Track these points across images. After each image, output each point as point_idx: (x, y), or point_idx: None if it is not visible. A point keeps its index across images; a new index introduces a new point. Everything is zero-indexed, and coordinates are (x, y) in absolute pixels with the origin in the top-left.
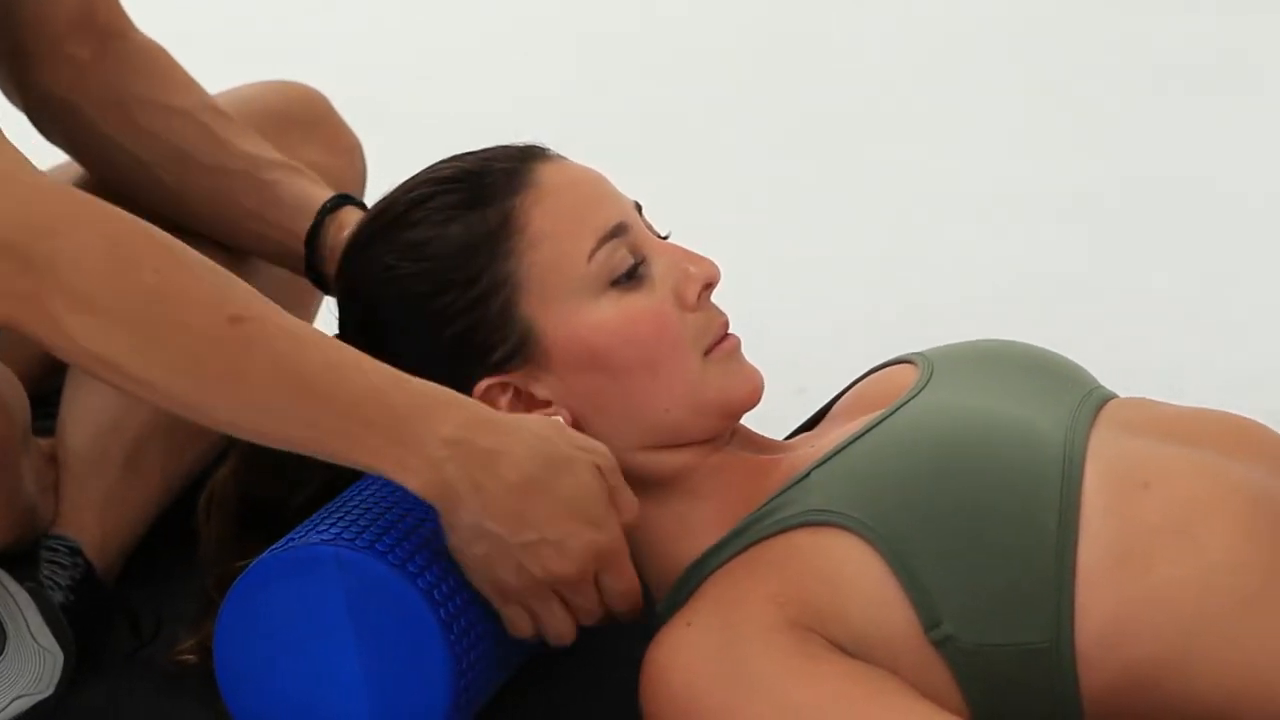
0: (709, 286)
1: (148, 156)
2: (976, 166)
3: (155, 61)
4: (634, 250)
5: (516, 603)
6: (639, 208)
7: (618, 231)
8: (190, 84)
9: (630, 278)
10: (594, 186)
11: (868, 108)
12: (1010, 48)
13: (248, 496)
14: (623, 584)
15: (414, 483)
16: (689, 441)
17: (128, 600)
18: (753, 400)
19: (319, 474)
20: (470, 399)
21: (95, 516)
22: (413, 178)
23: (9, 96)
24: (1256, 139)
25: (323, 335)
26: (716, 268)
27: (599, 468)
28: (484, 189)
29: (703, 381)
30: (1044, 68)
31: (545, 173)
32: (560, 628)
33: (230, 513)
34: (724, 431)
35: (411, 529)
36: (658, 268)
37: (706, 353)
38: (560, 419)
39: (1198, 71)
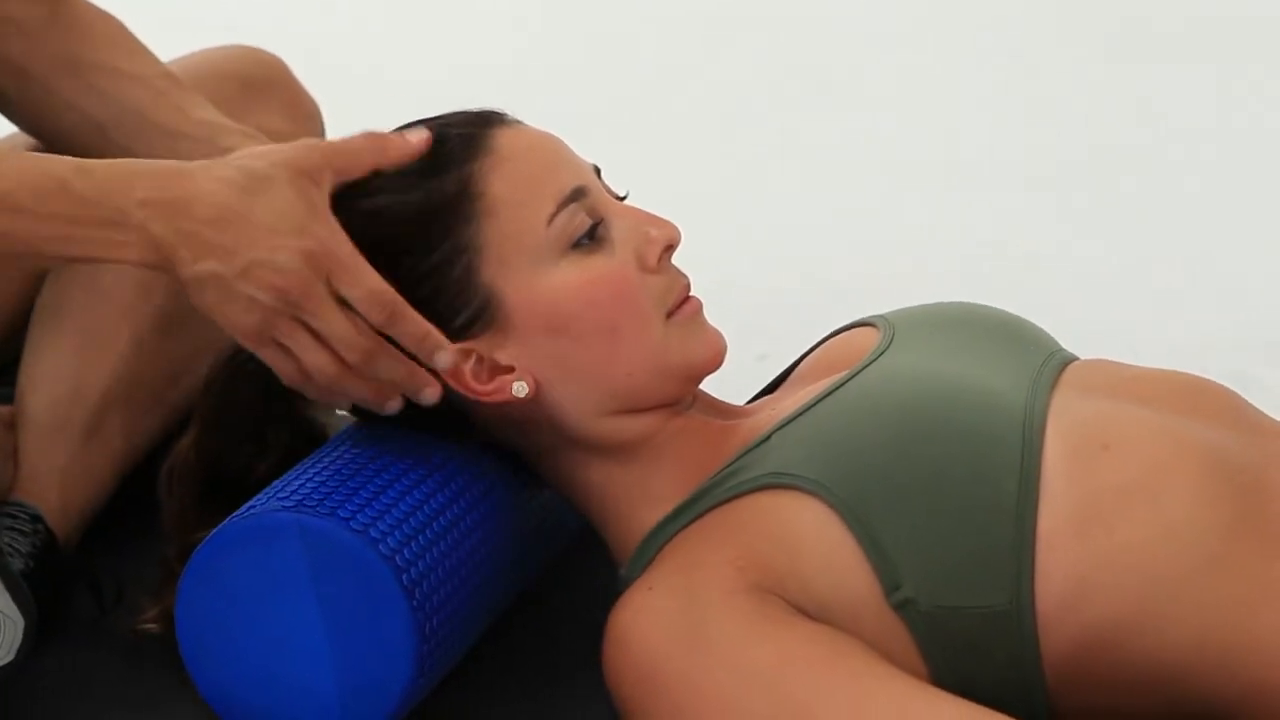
0: (670, 248)
1: (103, 118)
2: (939, 134)
3: (107, 27)
4: (593, 213)
5: (268, 342)
6: (598, 171)
7: (577, 195)
8: (144, 51)
9: (590, 238)
10: (552, 151)
11: (831, 74)
12: (974, 16)
13: (209, 467)
14: (358, 289)
15: (131, 254)
16: (652, 405)
17: (89, 567)
18: (715, 363)
19: (281, 443)
20: (157, 161)
21: (56, 484)
22: None
23: None
24: (1214, 109)
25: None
26: (677, 229)
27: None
28: (441, 155)
29: (665, 345)
30: (1006, 37)
31: (503, 138)
32: (316, 359)
33: (192, 484)
34: (686, 395)
35: (375, 494)
36: (618, 231)
37: (669, 315)
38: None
39: (1158, 41)
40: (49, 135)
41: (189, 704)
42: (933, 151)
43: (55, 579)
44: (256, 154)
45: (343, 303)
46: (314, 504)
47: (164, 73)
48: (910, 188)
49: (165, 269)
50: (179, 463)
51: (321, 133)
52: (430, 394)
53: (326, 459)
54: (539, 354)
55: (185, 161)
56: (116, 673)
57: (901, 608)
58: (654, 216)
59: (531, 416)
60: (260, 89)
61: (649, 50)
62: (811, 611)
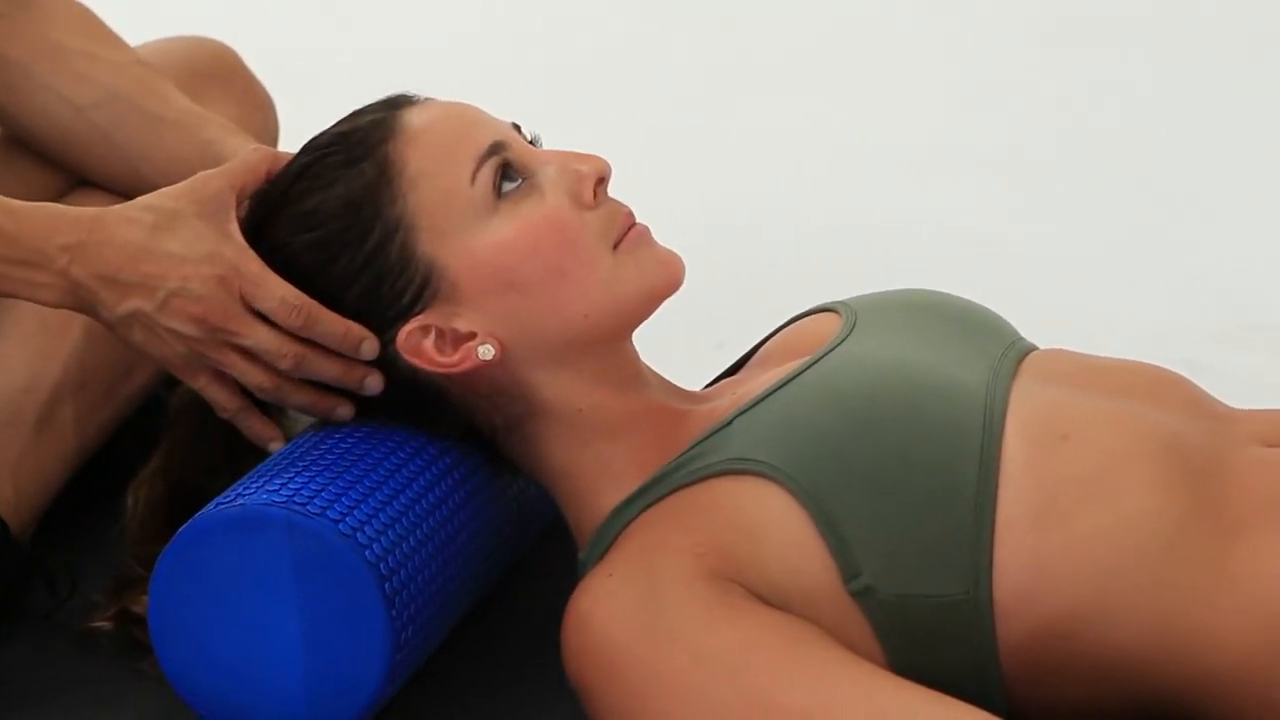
0: (602, 180)
1: (83, 100)
2: (896, 120)
3: (79, 13)
4: (516, 163)
5: (201, 371)
6: (518, 128)
7: (495, 150)
8: (117, 37)
9: (511, 180)
10: (462, 116)
11: (787, 58)
12: (929, 3)
13: (178, 496)
14: (270, 300)
15: (49, 296)
16: (617, 337)
17: (43, 560)
18: (674, 282)
19: (251, 468)
20: (75, 208)
21: (9, 476)
22: (295, 154)
23: None
24: (1168, 98)
25: None
26: (606, 162)
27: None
28: (356, 145)
29: (617, 276)
30: (963, 20)
31: (412, 115)
32: (252, 377)
33: (159, 511)
34: (646, 317)
35: (366, 494)
36: (546, 175)
37: (615, 246)
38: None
39: (1116, 27)
40: (26, 119)
41: (141, 699)
42: (889, 137)
43: (9, 571)
44: (161, 193)
45: (265, 318)
46: (304, 502)
47: (138, 59)
48: (867, 174)
49: (87, 312)
50: (144, 492)
51: (274, 123)
52: (372, 383)
53: (314, 453)
54: (495, 314)
55: (101, 208)
56: (69, 666)
57: (860, 595)
58: (579, 153)
59: (502, 384)
60: (213, 79)
61: (605, 34)
62: (770, 598)
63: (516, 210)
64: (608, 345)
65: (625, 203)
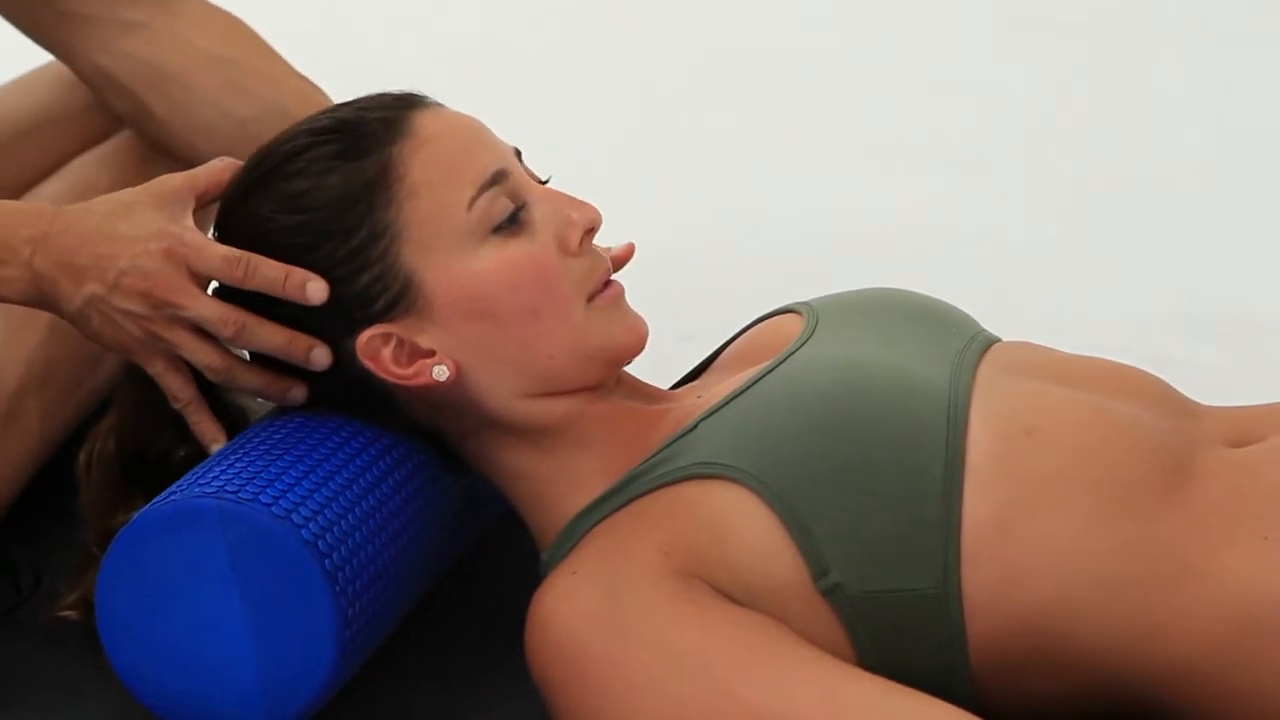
0: (591, 231)
1: (244, 114)
2: (865, 115)
3: (228, 22)
4: (514, 197)
5: (157, 355)
6: (519, 154)
7: (497, 179)
8: (270, 48)
9: (512, 223)
10: (472, 134)
11: (754, 53)
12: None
13: (128, 452)
14: (213, 260)
15: (14, 291)
16: (573, 389)
17: (6, 554)
18: (636, 349)
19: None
20: (34, 203)
21: None
22: (289, 130)
23: (72, 63)
24: (1141, 91)
25: None
26: (598, 212)
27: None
28: (361, 139)
29: (586, 329)
30: (937, 14)
31: (423, 121)
32: (204, 357)
33: (111, 468)
34: (608, 379)
35: (297, 479)
36: (539, 213)
37: (590, 299)
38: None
39: (1088, 22)
40: (186, 132)
41: (109, 692)
42: (857, 132)
43: None
44: (121, 190)
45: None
46: (235, 490)
47: (295, 72)
48: (835, 168)
49: (50, 306)
50: (98, 447)
51: None
52: (319, 356)
53: (249, 444)
54: (460, 338)
55: (70, 205)
56: (34, 660)
57: (829, 593)
58: (575, 199)
59: (454, 400)
60: None
61: (575, 29)
62: (739, 598)
63: (505, 244)
64: (565, 384)
65: (606, 257)
